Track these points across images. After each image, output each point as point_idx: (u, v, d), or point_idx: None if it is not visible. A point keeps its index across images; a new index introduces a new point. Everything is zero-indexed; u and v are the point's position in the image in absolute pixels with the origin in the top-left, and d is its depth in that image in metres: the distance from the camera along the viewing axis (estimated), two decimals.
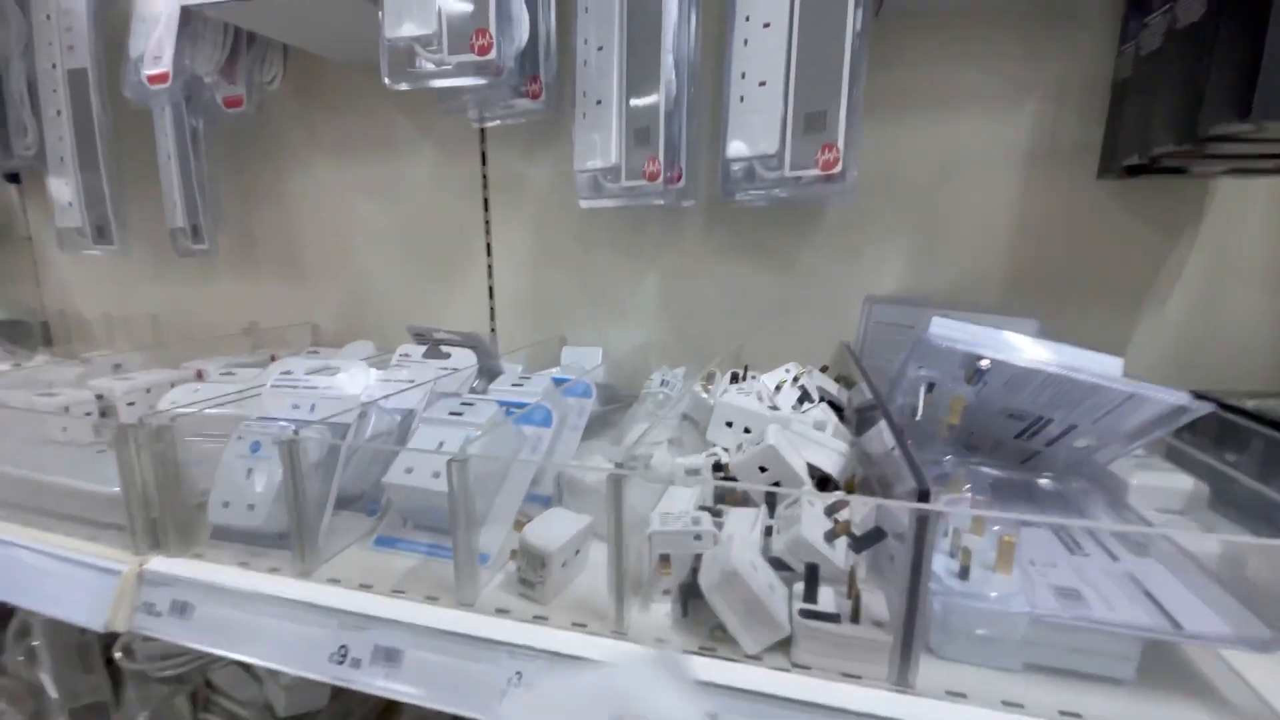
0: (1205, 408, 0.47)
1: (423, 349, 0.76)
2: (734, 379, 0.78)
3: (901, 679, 0.36)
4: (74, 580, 0.51)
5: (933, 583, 0.38)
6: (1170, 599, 0.38)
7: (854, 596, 0.37)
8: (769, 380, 0.69)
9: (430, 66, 0.70)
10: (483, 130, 0.96)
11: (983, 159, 0.77)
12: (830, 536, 0.41)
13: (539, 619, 0.42)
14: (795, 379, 0.70)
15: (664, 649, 0.38)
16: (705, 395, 0.69)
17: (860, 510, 0.42)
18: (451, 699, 0.40)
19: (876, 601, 0.39)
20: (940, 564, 0.40)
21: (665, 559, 0.43)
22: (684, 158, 0.77)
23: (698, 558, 0.42)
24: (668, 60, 0.71)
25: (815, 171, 0.68)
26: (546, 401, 0.62)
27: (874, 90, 0.79)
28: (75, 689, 0.74)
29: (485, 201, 0.99)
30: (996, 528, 0.39)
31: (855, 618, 0.37)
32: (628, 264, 0.94)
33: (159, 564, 0.50)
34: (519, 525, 0.46)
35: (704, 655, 0.39)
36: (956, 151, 0.78)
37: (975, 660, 0.38)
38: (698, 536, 0.43)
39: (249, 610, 0.46)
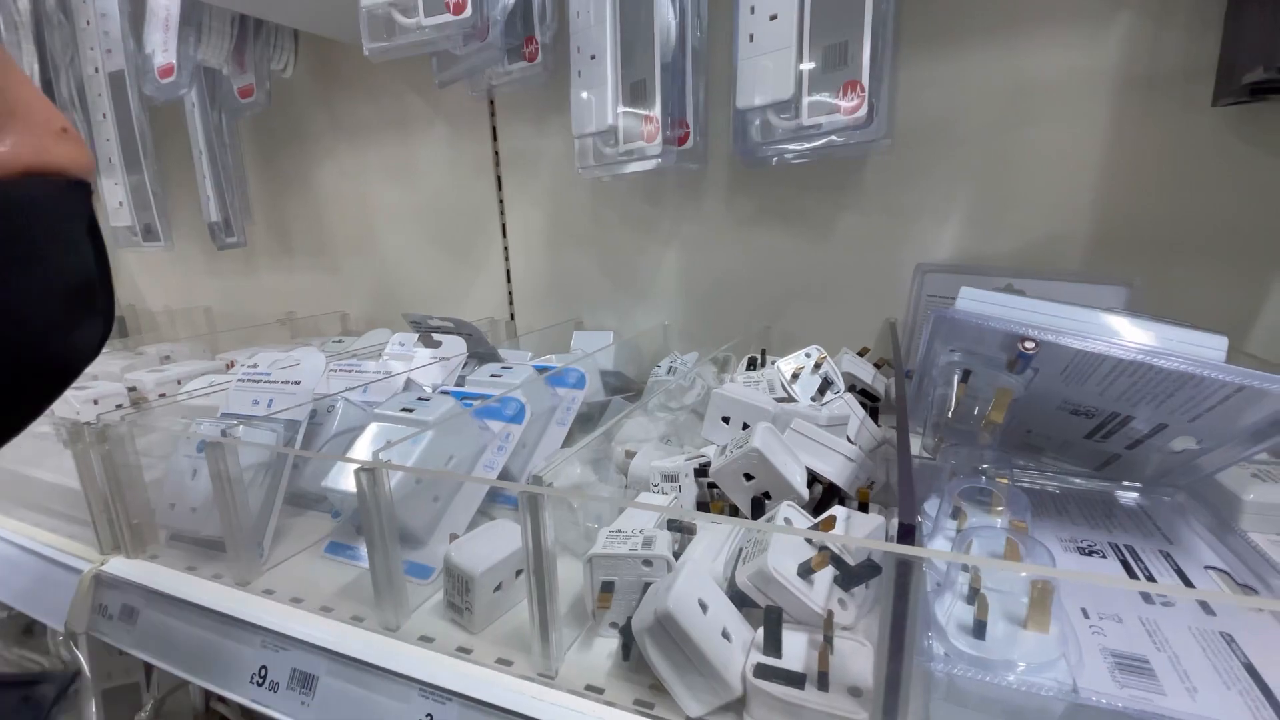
0: None
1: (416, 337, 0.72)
2: (751, 365, 0.69)
3: None
4: (44, 575, 0.51)
5: (935, 640, 0.29)
6: None
7: (821, 656, 0.29)
8: (785, 366, 0.60)
9: (410, 31, 0.65)
10: (492, 103, 0.91)
11: (1062, 93, 0.63)
12: (805, 571, 0.33)
13: (462, 651, 0.37)
14: (817, 365, 0.60)
15: None
16: (715, 384, 0.60)
17: (837, 542, 0.32)
18: None
19: (861, 659, 0.30)
20: (953, 613, 0.31)
21: (608, 588, 0.36)
22: (691, 114, 0.68)
23: (647, 588, 0.35)
24: None
25: (837, 117, 0.57)
26: (524, 393, 0.56)
27: (918, 19, 0.66)
28: (109, 669, 0.76)
29: (498, 179, 0.94)
30: (1024, 574, 0.29)
31: (823, 683, 0.28)
32: (644, 239, 0.86)
33: (116, 566, 0.48)
34: (454, 538, 0.40)
35: (638, 712, 0.31)
36: (1028, 86, 0.64)
37: None
38: (647, 562, 0.35)
39: (185, 620, 0.44)
